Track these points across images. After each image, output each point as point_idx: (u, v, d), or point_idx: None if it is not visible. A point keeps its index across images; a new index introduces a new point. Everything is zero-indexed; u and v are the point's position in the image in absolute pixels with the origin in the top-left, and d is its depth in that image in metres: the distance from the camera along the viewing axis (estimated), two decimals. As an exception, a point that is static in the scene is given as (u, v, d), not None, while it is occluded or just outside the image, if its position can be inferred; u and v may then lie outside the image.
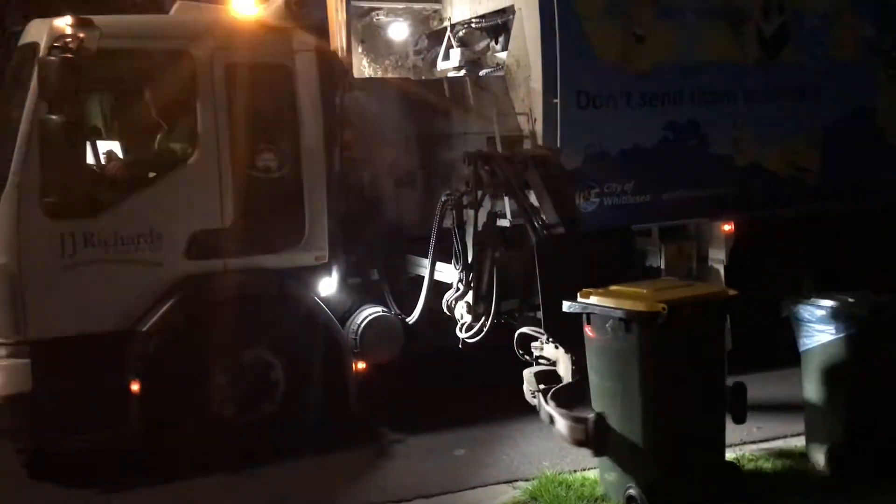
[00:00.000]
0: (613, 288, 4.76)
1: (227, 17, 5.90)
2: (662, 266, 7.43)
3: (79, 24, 5.18)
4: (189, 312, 5.52)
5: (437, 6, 8.00)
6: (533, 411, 5.42)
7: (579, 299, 4.77)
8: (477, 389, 6.93)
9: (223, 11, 5.98)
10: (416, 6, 7.98)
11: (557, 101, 6.68)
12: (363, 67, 8.06)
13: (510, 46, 7.04)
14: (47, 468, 5.61)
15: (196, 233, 5.59)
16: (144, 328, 5.41)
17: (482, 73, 7.24)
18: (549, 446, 5.74)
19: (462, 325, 6.10)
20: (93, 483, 5.38)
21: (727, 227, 7.48)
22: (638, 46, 7.07)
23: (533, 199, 5.94)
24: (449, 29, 7.70)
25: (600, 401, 4.78)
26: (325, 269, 6.06)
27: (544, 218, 5.74)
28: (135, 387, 5.36)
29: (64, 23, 5.19)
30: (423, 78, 7.74)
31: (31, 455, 5.67)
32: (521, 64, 6.89)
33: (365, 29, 8.07)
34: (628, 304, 4.52)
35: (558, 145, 6.69)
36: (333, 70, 6.12)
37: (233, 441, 5.61)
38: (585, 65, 6.85)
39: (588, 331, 4.79)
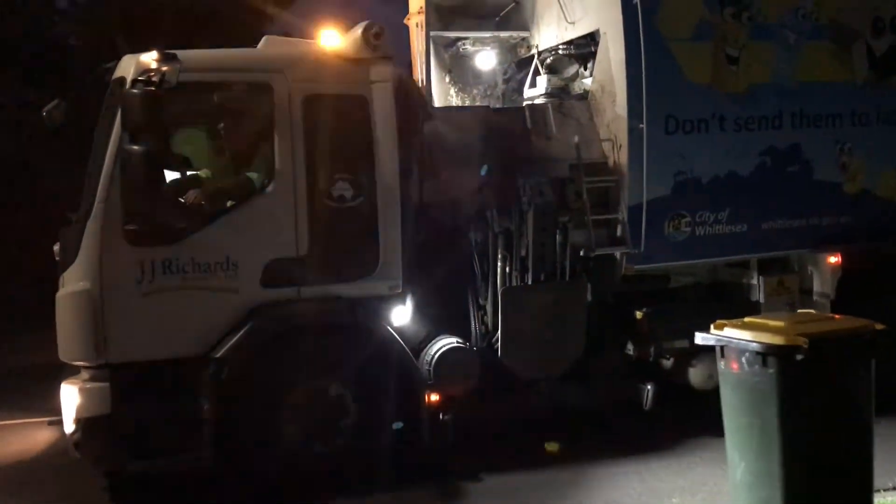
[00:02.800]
0: (748, 320, 4.55)
1: (306, 50, 5.97)
2: (762, 300, 6.98)
3: (162, 59, 5.35)
4: (262, 340, 5.54)
5: (524, 34, 7.92)
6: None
7: (713, 331, 4.56)
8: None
9: (310, 45, 6.06)
10: (503, 34, 7.91)
11: (644, 126, 6.45)
12: (450, 97, 8.05)
13: (595, 71, 6.87)
14: (130, 490, 5.72)
15: (271, 261, 5.62)
16: (218, 355, 5.45)
17: (566, 99, 7.07)
18: (679, 483, 5.50)
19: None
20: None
21: (834, 259, 6.99)
22: (731, 68, 6.78)
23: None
24: (536, 56, 7.60)
25: (735, 437, 4.52)
26: (399, 298, 5.98)
27: None
28: (207, 413, 5.39)
29: (149, 57, 5.38)
30: (507, 106, 7.64)
31: (115, 477, 5.80)
32: (606, 89, 6.70)
33: (452, 59, 8.07)
34: (766, 338, 4.26)
35: (644, 173, 6.44)
36: (410, 100, 6.11)
37: (303, 472, 5.57)
38: (674, 88, 6.61)
39: (722, 364, 4.55)
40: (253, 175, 5.77)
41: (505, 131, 6.64)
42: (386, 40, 5.92)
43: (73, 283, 5.41)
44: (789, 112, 6.83)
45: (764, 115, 6.81)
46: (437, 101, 7.68)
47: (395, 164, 5.92)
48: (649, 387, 6.55)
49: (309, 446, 5.65)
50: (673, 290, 7.19)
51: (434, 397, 5.99)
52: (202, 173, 5.89)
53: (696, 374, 6.72)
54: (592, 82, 6.89)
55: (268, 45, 6.18)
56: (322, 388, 5.67)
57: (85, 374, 5.47)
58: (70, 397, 5.39)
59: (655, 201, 6.59)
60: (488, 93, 8.21)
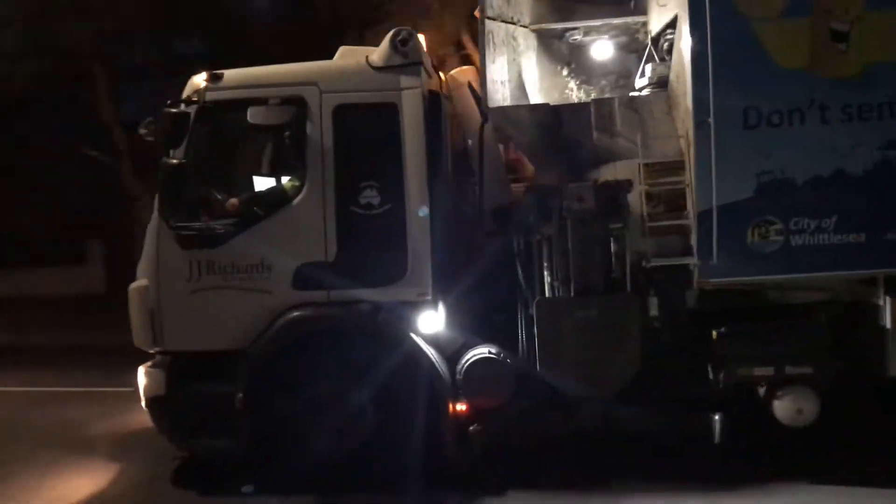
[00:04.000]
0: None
1: (338, 62, 6.17)
2: (888, 325, 5.75)
3: (209, 78, 5.94)
4: (289, 339, 5.90)
5: (641, 18, 7.25)
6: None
7: None
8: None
9: (351, 56, 6.27)
10: (616, 21, 7.33)
11: (711, 120, 5.65)
12: (569, 91, 7.67)
13: (673, 59, 6.15)
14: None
15: (301, 265, 5.94)
16: (250, 349, 5.93)
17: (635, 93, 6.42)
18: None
19: None
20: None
21: None
22: (838, 46, 5.65)
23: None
24: (649, 42, 6.96)
25: None
26: (428, 305, 5.96)
27: None
28: (239, 403, 5.90)
29: (199, 78, 6.00)
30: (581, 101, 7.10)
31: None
32: (681, 79, 5.97)
33: (571, 51, 7.67)
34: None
35: (712, 173, 5.65)
36: (440, 106, 6.00)
37: (325, 467, 5.85)
38: (756, 75, 5.69)
39: None
40: (286, 184, 6.10)
41: (569, 128, 6.23)
42: (415, 46, 5.89)
43: (138, 278, 6.24)
44: None
45: (884, 100, 5.61)
46: (550, 97, 7.37)
47: (424, 170, 5.89)
48: (717, 417, 5.77)
49: (332, 444, 5.88)
50: (789, 307, 6.18)
51: (461, 407, 5.90)
52: (242, 183, 6.37)
53: (782, 408, 5.79)
54: (671, 71, 6.16)
55: (345, 56, 6.48)
56: (343, 390, 5.87)
57: (153, 359, 6.29)
58: (140, 378, 6.24)
59: (732, 206, 5.72)
60: (620, 83, 7.68)
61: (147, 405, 6.21)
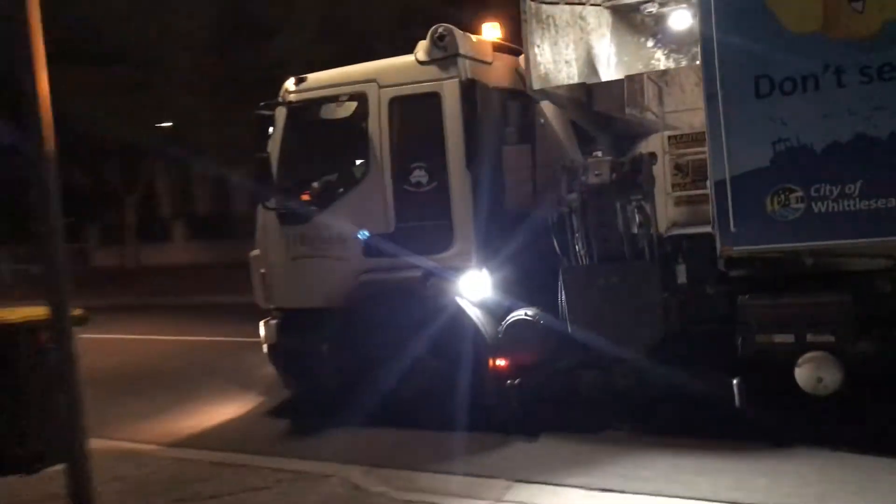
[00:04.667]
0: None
1: (394, 59, 7.06)
2: None
3: (296, 81, 7.20)
4: (362, 298, 6.99)
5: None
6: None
7: None
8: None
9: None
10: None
11: (720, 90, 5.71)
12: (655, 61, 7.83)
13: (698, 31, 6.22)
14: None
15: (370, 236, 7.00)
16: (332, 306, 7.13)
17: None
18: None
19: None
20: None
21: None
22: (853, 6, 5.42)
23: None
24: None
25: None
26: (474, 271, 6.71)
27: None
28: (326, 352, 7.15)
29: (290, 82, 7.27)
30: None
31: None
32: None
33: (658, 21, 7.82)
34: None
35: (723, 144, 5.76)
36: (476, 93, 6.76)
37: (392, 405, 6.83)
38: (766, 43, 5.61)
39: None
40: (355, 168, 7.17)
41: (597, 105, 6.59)
42: (451, 41, 6.64)
43: (254, 249, 7.70)
44: None
45: None
46: (632, 69, 7.59)
47: (462, 151, 6.64)
48: (736, 381, 5.90)
49: (396, 386, 6.82)
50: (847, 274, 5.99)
51: (501, 363, 6.60)
52: (322, 169, 7.48)
53: (802, 376, 5.75)
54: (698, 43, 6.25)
55: (417, 50, 7.38)
56: (403, 341, 6.77)
57: (271, 314, 7.74)
58: (260, 329, 7.72)
59: (748, 175, 5.70)
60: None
61: (266, 352, 7.68)
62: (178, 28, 18.75)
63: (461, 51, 6.72)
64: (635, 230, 6.16)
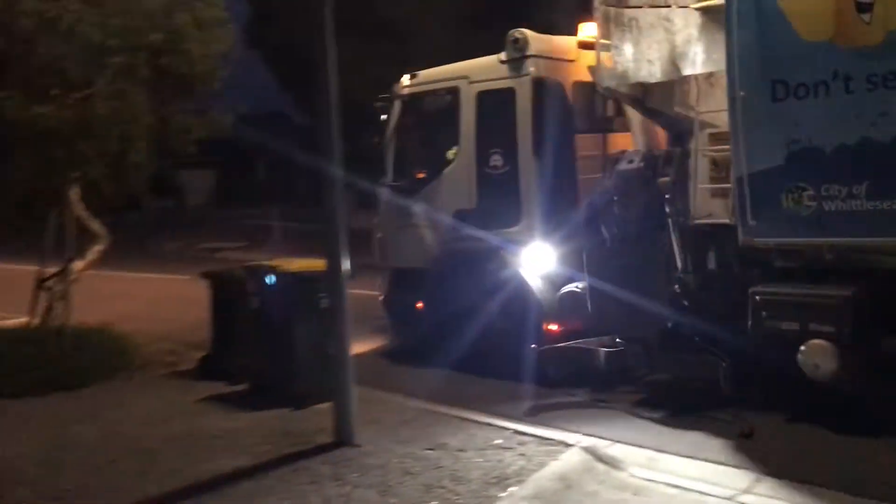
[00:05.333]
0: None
1: (482, 58, 8.16)
2: None
3: (410, 76, 8.60)
4: (448, 263, 8.31)
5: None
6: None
7: None
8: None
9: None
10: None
11: (740, 93, 6.21)
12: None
13: None
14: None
15: (457, 211, 8.27)
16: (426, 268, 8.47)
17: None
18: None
19: None
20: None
21: None
22: (861, 17, 5.71)
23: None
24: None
25: None
26: (537, 246, 7.74)
27: None
28: (420, 306, 8.53)
29: (405, 77, 8.70)
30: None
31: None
32: (732, 54, 6.56)
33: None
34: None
35: (742, 143, 6.28)
36: (545, 88, 7.76)
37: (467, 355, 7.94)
38: (782, 49, 6.04)
39: None
40: (449, 153, 8.41)
41: (650, 103, 7.28)
42: (524, 43, 7.79)
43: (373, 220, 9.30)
44: None
45: None
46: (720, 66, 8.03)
47: (531, 139, 7.71)
48: (724, 364, 6.39)
49: (473, 338, 7.88)
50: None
51: (553, 328, 7.60)
52: (425, 152, 8.85)
53: (803, 361, 6.05)
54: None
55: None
56: (479, 300, 7.92)
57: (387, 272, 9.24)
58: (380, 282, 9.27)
59: (765, 172, 6.16)
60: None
61: (381, 303, 9.22)
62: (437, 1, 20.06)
63: (533, 52, 7.77)
64: (659, 217, 6.78)
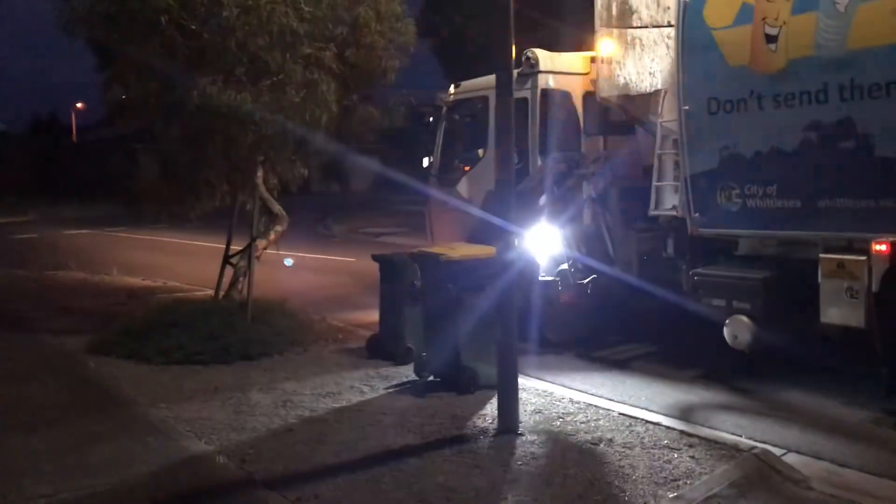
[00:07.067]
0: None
1: None
2: (819, 280, 6.65)
3: (454, 86, 10.35)
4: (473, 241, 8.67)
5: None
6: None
7: None
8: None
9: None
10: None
11: (685, 107, 7.57)
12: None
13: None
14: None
15: (486, 194, 9.10)
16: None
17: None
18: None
19: None
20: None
21: (880, 248, 6.21)
22: (769, 47, 6.90)
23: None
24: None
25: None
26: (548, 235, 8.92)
27: None
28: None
29: (453, 86, 10.35)
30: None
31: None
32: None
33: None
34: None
35: (685, 149, 7.62)
36: (551, 99, 9.15)
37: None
38: (715, 73, 7.30)
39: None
40: (479, 151, 9.89)
41: (631, 112, 8.76)
42: (534, 61, 9.13)
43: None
44: (836, 85, 6.47)
45: (805, 90, 6.68)
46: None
47: (538, 140, 9.08)
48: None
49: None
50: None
51: (563, 300, 8.74)
52: (464, 149, 10.39)
53: (726, 332, 7.31)
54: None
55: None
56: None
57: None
58: None
59: (705, 174, 7.46)
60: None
61: None
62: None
63: (542, 68, 9.14)
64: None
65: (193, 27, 8.41)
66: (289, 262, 8.63)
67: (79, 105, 57.39)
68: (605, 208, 8.93)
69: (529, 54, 9.19)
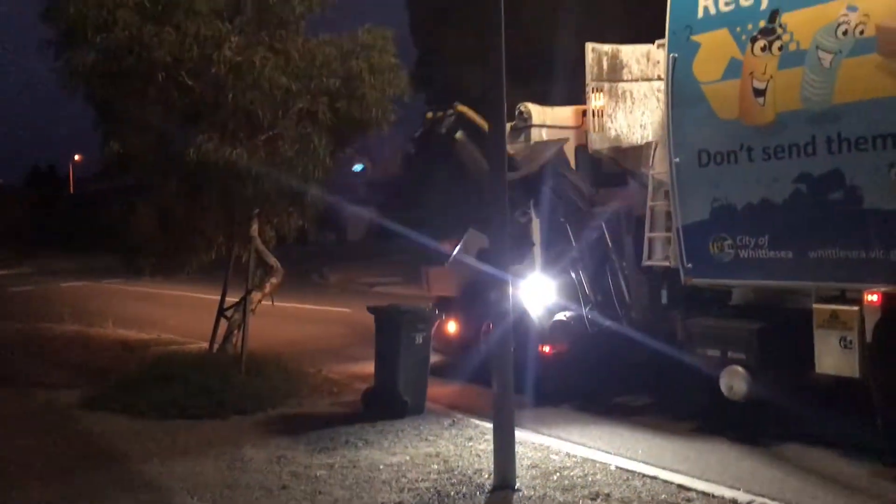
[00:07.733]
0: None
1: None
2: (815, 328, 6.61)
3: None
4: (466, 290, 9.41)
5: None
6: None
7: None
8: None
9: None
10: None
11: (677, 160, 7.55)
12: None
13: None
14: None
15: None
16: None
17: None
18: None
19: None
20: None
21: (872, 298, 6.23)
22: (757, 101, 6.94)
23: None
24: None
25: None
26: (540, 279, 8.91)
27: None
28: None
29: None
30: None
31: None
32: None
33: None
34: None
35: (677, 200, 7.63)
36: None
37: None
38: (705, 125, 7.35)
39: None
40: None
41: (622, 164, 8.96)
42: (526, 116, 9.47)
43: None
44: (824, 137, 6.53)
45: (793, 142, 6.74)
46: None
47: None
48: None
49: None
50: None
51: (546, 349, 8.76)
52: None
53: (721, 383, 7.22)
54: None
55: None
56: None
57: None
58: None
59: (696, 224, 7.51)
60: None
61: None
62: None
63: (535, 122, 9.43)
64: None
65: (190, 83, 8.54)
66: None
67: (76, 157, 57.88)
68: (620, 255, 8.91)
69: (522, 108, 9.47)
